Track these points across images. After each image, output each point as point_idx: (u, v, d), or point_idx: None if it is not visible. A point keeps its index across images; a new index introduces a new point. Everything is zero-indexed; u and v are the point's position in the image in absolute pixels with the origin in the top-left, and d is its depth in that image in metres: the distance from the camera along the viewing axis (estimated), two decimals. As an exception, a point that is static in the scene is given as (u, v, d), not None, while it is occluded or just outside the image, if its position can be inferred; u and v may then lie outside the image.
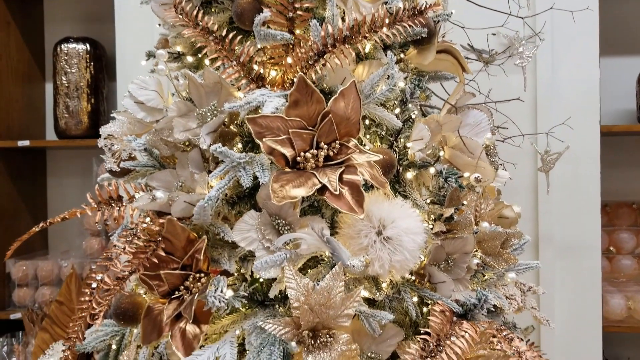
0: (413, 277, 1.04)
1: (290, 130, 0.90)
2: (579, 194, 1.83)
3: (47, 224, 0.96)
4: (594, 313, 1.80)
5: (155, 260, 0.92)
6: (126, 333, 1.08)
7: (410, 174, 1.08)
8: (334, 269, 0.87)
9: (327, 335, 0.87)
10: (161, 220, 0.93)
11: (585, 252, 1.82)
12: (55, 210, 2.44)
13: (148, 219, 0.96)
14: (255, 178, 0.92)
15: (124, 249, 0.89)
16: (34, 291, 2.15)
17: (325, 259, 0.96)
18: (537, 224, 1.81)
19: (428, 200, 1.10)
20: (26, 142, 2.15)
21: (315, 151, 0.91)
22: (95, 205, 0.97)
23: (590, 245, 1.82)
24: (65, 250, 2.31)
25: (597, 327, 1.80)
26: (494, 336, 0.97)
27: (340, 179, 0.91)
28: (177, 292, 0.94)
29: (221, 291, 0.87)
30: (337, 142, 0.93)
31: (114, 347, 1.12)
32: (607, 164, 1.89)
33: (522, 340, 0.98)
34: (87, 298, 0.87)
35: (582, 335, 1.81)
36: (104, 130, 1.09)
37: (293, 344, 0.86)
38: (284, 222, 0.93)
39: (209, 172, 0.96)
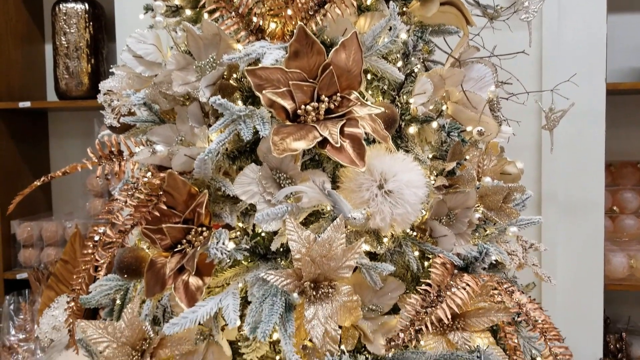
0: (414, 232, 1.04)
1: (290, 83, 0.89)
2: (583, 153, 1.82)
3: (49, 178, 0.96)
4: (596, 271, 1.81)
5: (157, 214, 0.92)
6: (130, 287, 1.09)
7: (412, 129, 1.07)
8: (335, 221, 0.87)
9: (329, 287, 0.88)
10: (162, 175, 0.93)
11: (588, 211, 1.81)
12: (58, 170, 2.44)
13: (149, 174, 0.96)
14: (256, 132, 0.91)
15: (126, 202, 0.89)
16: (39, 252, 2.17)
17: (327, 212, 0.96)
18: (541, 183, 1.81)
19: (430, 156, 1.09)
20: (27, 104, 2.14)
21: (316, 104, 0.90)
22: (96, 160, 0.96)
23: (593, 205, 1.82)
24: (69, 212, 2.32)
25: (598, 285, 1.81)
26: (494, 289, 0.97)
27: (342, 131, 0.90)
28: (179, 246, 0.95)
29: (223, 243, 0.87)
30: (338, 94, 0.92)
31: (118, 301, 1.13)
32: (612, 123, 1.87)
33: (523, 293, 0.99)
34: (89, 251, 0.87)
35: (584, 293, 1.82)
36: (103, 85, 1.08)
37: (295, 295, 0.87)
38: (285, 175, 0.93)
39: (209, 126, 0.95)
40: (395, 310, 1.01)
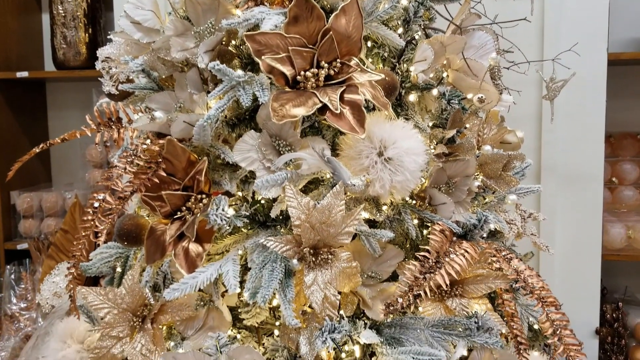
0: (414, 201, 1.05)
1: (290, 48, 0.88)
2: (583, 123, 1.81)
3: (47, 145, 0.95)
4: (594, 242, 1.82)
5: (157, 181, 0.92)
6: (130, 255, 1.10)
7: (412, 97, 1.06)
8: (334, 188, 0.87)
9: (328, 253, 0.88)
10: (161, 142, 0.93)
11: (587, 182, 1.82)
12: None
13: (148, 141, 0.95)
14: (255, 99, 0.91)
15: (125, 169, 0.89)
16: (39, 222, 2.17)
17: (326, 180, 0.96)
18: (540, 154, 1.81)
19: (430, 124, 1.09)
20: (25, 74, 2.12)
21: (315, 70, 0.90)
22: (95, 128, 0.96)
23: (592, 176, 1.82)
24: (69, 183, 2.32)
25: (596, 255, 1.82)
26: (493, 256, 0.98)
27: (342, 98, 0.89)
28: (179, 213, 0.95)
29: (223, 210, 0.88)
30: (338, 60, 0.91)
31: (118, 269, 1.14)
32: (613, 94, 1.86)
33: (521, 260, 0.99)
34: (89, 217, 0.87)
35: (581, 263, 1.83)
36: (101, 52, 1.07)
37: (294, 261, 0.87)
38: (284, 142, 0.92)
39: (208, 93, 0.95)
40: (394, 277, 1.02)
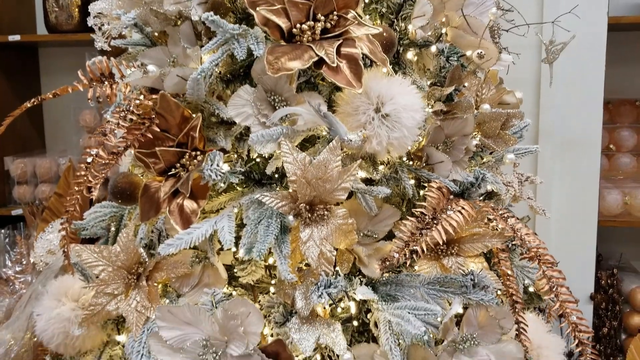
0: (411, 162, 1.04)
1: (285, 0, 0.86)
2: (581, 89, 1.80)
3: (39, 99, 0.93)
4: (590, 208, 1.82)
5: (150, 137, 0.91)
6: (125, 214, 1.09)
7: (410, 54, 1.04)
8: (331, 143, 0.86)
9: (324, 209, 0.88)
10: (154, 97, 0.91)
11: (585, 148, 1.81)
12: (50, 108, 2.41)
13: (142, 97, 0.94)
14: (250, 54, 0.89)
15: (118, 124, 0.87)
16: (33, 188, 2.16)
17: (323, 138, 0.95)
18: (538, 119, 1.80)
19: (428, 83, 1.07)
20: (17, 37, 2.09)
21: (311, 23, 0.88)
22: (87, 83, 0.94)
23: (590, 142, 1.81)
24: (63, 149, 2.31)
25: (592, 221, 1.82)
26: (490, 214, 0.97)
27: (338, 52, 0.88)
28: (173, 170, 0.94)
29: (217, 165, 0.86)
30: (335, 13, 0.89)
31: (113, 229, 1.13)
32: (612, 60, 1.84)
33: (517, 219, 0.99)
34: (82, 173, 0.86)
35: (577, 229, 1.83)
36: (93, 7, 1.05)
37: (290, 217, 0.86)
38: (279, 97, 0.91)
39: (202, 47, 0.93)
40: (390, 237, 1.01)
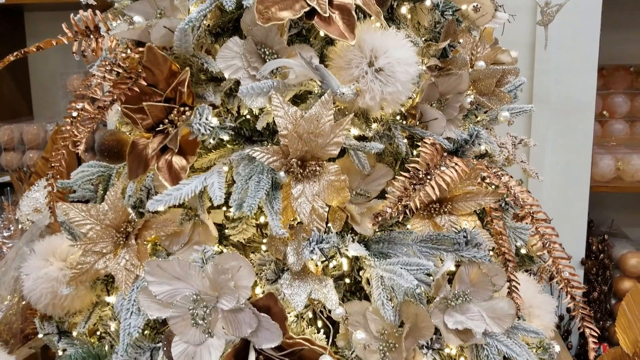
0: (404, 122, 1.02)
1: (276, -52, 0.83)
2: (576, 53, 1.78)
3: (22, 53, 0.91)
4: (583, 173, 1.82)
5: (137, 90, 0.88)
6: (112, 174, 1.07)
7: (405, 9, 1.02)
8: (323, 97, 0.84)
9: (316, 165, 0.86)
10: (141, 49, 0.89)
11: (578, 113, 1.80)
12: (37, 73, 2.36)
13: (128, 50, 0.91)
14: (240, 6, 0.86)
15: (104, 77, 0.85)
16: (21, 155, 2.13)
17: (314, 94, 0.93)
18: (532, 83, 1.78)
19: (422, 40, 1.05)
20: (1, 0, 2.03)
21: (303, -28, 0.85)
22: (72, 36, 0.91)
23: (584, 106, 1.80)
24: (50, 115, 2.27)
25: (585, 186, 1.82)
26: (483, 172, 0.96)
27: (330, 2, 0.85)
28: (161, 126, 0.91)
29: (206, 119, 0.84)
30: (327, -37, 0.86)
31: (100, 191, 1.11)
32: (607, 25, 1.82)
33: (511, 176, 0.98)
34: (68, 127, 0.84)
35: (570, 194, 1.83)
36: (76, -41, 1.01)
37: (281, 173, 0.85)
38: (270, 50, 0.88)
39: (190, -1, 0.90)
40: (382, 197, 1.00)
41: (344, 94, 0.84)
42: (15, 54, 0.90)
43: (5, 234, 1.58)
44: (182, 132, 0.90)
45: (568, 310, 1.88)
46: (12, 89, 2.24)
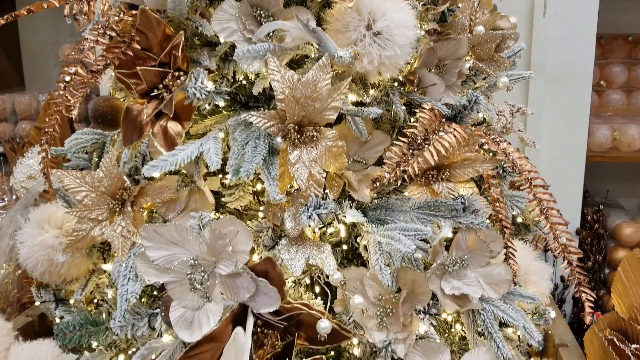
0: (402, 88, 1.01)
1: None
2: (575, 22, 1.76)
3: (13, 16, 0.88)
4: (580, 142, 1.81)
5: (130, 54, 0.87)
6: (107, 141, 1.06)
7: (403, -28, 1.00)
8: (320, 60, 0.83)
9: (314, 130, 0.85)
10: (134, 12, 0.87)
11: (576, 82, 1.79)
12: (28, 43, 2.32)
13: (121, 13, 0.89)
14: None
15: (97, 41, 0.83)
16: (13, 125, 2.11)
17: (312, 59, 0.92)
18: (530, 52, 1.76)
19: (422, 3, 1.03)
20: (-12, -33, 1.99)
21: None
22: (63, -1, 0.89)
23: (581, 76, 1.78)
24: (43, 86, 2.24)
25: (581, 156, 1.82)
26: (481, 138, 0.95)
27: (328, -37, 0.83)
28: (155, 91, 0.90)
29: (202, 83, 0.83)
30: None
31: (95, 159, 1.10)
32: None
33: (509, 143, 0.97)
34: (61, 92, 0.82)
35: (566, 164, 1.83)
36: None
37: (278, 139, 0.84)
38: (266, 13, 0.87)
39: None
40: (380, 164, 1.00)
41: (341, 57, 0.83)
42: (5, 17, 0.88)
43: (0, 205, 1.58)
44: (177, 97, 0.89)
45: (562, 279, 1.90)
46: (3, 60, 2.21)
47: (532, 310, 1.06)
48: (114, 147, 1.04)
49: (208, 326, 0.76)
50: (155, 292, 0.98)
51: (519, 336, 1.06)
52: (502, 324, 1.01)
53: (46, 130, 0.81)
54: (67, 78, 0.83)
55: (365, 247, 0.91)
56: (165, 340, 0.89)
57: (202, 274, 0.76)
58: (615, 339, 0.82)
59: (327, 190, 0.89)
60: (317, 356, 0.79)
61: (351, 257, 0.99)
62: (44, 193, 1.09)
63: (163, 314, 0.81)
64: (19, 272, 1.23)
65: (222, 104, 0.93)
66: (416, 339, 0.90)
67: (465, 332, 0.98)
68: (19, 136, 2.04)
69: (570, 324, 1.96)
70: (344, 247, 0.95)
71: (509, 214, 1.13)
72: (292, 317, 0.81)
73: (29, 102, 2.07)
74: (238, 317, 0.79)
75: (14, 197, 1.25)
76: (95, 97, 0.97)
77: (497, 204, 1.02)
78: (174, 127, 0.89)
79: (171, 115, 0.87)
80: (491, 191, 1.02)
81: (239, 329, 0.77)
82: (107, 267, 1.03)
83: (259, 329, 0.81)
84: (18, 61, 2.36)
